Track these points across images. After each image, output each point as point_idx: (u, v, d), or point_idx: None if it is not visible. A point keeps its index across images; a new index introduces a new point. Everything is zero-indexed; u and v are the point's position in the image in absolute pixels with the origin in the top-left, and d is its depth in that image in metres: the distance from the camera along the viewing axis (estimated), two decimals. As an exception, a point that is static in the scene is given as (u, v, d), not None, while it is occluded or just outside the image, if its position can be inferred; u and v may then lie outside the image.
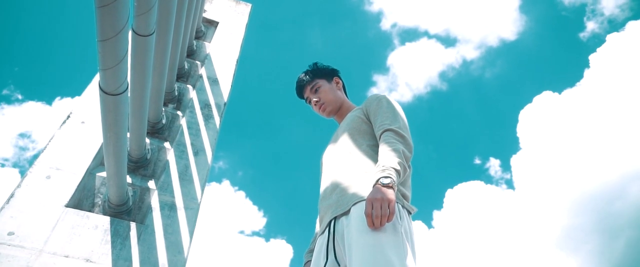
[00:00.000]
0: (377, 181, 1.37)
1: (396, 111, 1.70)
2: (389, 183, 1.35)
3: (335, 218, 1.49)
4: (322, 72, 2.03)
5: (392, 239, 1.30)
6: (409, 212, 1.49)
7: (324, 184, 1.69)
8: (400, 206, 1.44)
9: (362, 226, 1.33)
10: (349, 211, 1.44)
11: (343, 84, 2.09)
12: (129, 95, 1.80)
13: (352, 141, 1.70)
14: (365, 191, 1.45)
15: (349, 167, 1.60)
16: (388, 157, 1.46)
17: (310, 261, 1.72)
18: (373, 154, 1.63)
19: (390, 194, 1.32)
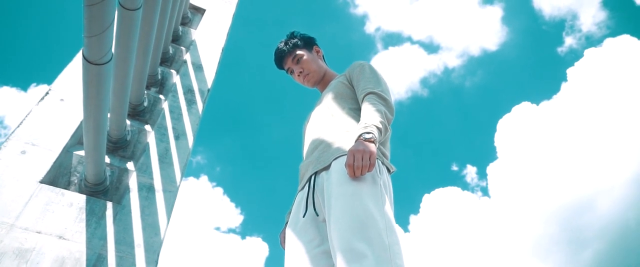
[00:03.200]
0: (360, 136, 1.40)
1: (379, 76, 1.73)
2: (370, 138, 1.39)
3: (315, 173, 1.52)
4: (301, 42, 2.01)
5: (371, 189, 1.34)
6: (389, 170, 1.53)
7: (306, 144, 1.71)
8: (380, 162, 1.47)
9: (341, 177, 1.37)
10: (329, 165, 1.47)
11: (322, 53, 2.09)
12: (112, 71, 1.77)
13: (335, 104, 1.73)
14: (346, 147, 1.49)
15: (331, 127, 1.63)
16: (370, 116, 1.49)
17: None
18: (355, 117, 1.66)
19: (372, 147, 1.36)
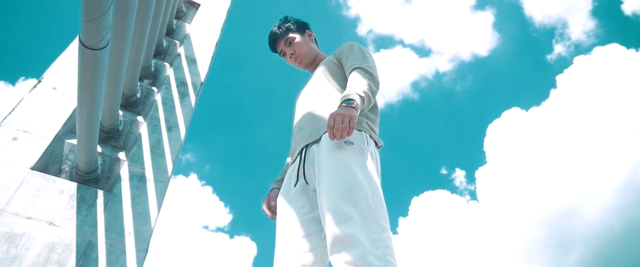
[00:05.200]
0: (342, 102, 1.47)
1: (366, 53, 1.81)
2: (351, 104, 1.45)
3: (306, 146, 1.60)
4: (294, 26, 2.08)
5: (359, 158, 1.41)
6: (376, 144, 1.60)
7: (297, 119, 1.78)
8: (368, 135, 1.55)
9: (331, 148, 1.44)
10: (319, 138, 1.54)
11: (315, 36, 2.16)
12: (107, 57, 1.78)
13: (325, 81, 1.80)
14: None
15: (321, 103, 1.70)
16: (354, 86, 1.56)
17: (276, 188, 1.83)
18: None
19: (352, 112, 1.42)
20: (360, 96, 1.50)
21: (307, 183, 1.53)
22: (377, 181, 1.41)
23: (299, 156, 1.61)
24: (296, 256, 1.40)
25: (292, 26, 2.07)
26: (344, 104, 1.45)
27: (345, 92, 1.52)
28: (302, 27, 2.10)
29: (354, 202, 1.28)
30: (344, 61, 1.82)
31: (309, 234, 1.43)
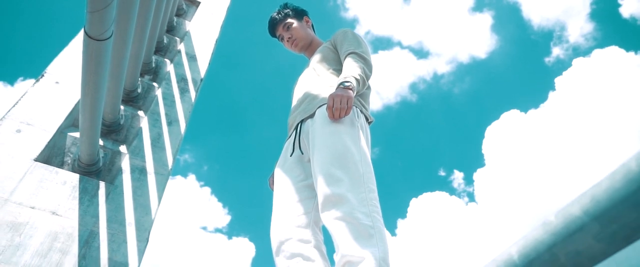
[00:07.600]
0: (339, 84, 1.58)
1: (360, 39, 1.91)
2: (348, 86, 1.56)
3: (302, 121, 1.71)
4: (293, 12, 2.21)
5: (349, 129, 1.52)
6: (367, 119, 1.71)
7: (294, 100, 1.90)
8: (359, 110, 1.66)
9: (324, 121, 1.55)
10: (314, 113, 1.65)
11: (312, 23, 2.29)
12: (111, 48, 1.82)
13: (321, 66, 1.92)
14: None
15: (316, 84, 1.81)
16: (350, 70, 1.68)
17: None
18: (338, 76, 1.83)
19: (350, 93, 1.53)
20: (356, 79, 1.62)
21: (302, 154, 1.65)
22: (367, 150, 1.52)
23: (295, 130, 1.73)
24: (291, 218, 1.51)
25: (290, 12, 2.20)
26: (341, 86, 1.56)
27: (342, 76, 1.64)
28: (300, 14, 2.23)
29: (343, 166, 1.39)
30: (339, 47, 1.93)
31: (303, 199, 1.55)
